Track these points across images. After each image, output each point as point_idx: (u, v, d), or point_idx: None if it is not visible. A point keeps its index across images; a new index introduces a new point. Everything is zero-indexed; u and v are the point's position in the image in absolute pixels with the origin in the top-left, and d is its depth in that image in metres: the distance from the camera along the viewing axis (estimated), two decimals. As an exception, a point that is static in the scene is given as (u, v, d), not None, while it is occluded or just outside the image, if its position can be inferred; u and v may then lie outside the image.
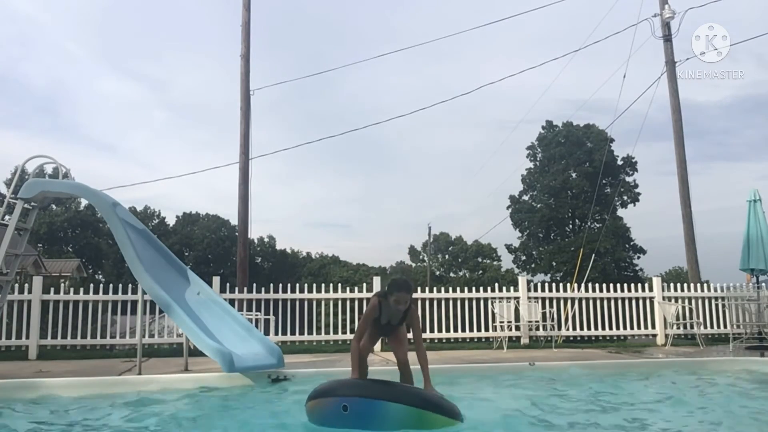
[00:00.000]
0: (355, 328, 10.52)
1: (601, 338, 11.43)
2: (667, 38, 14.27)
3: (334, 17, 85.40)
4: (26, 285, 9.95)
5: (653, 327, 11.59)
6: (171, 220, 59.49)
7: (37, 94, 77.62)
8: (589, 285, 11.83)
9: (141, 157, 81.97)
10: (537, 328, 10.91)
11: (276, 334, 10.46)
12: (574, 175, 43.98)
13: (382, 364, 8.34)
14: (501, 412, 4.50)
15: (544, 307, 11.04)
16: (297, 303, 10.77)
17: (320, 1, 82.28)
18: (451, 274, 59.76)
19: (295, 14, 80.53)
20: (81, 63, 77.18)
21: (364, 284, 11.56)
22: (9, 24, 71.48)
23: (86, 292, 10.06)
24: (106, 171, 72.79)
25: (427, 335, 10.90)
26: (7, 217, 7.39)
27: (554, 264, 42.70)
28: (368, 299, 10.91)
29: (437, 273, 59.42)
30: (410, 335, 4.44)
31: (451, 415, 3.67)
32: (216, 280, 10.22)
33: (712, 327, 11.69)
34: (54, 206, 50.63)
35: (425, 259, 61.81)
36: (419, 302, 11.12)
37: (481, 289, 11.47)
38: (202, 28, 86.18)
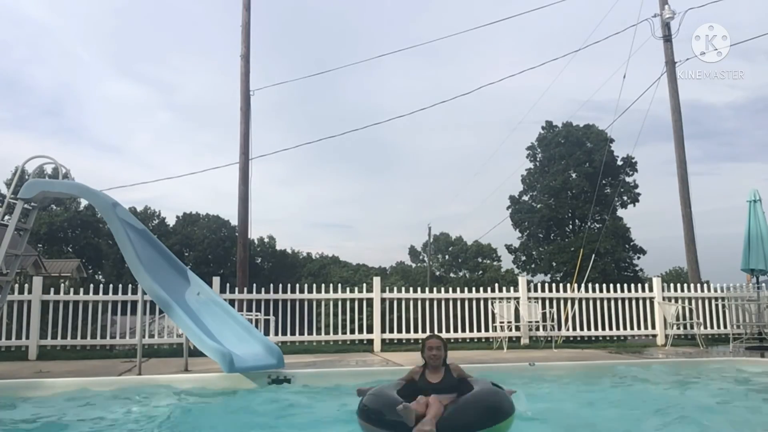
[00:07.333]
0: (356, 329, 10.62)
1: (601, 338, 11.42)
2: (667, 38, 14.26)
3: (334, 18, 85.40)
4: (26, 285, 9.95)
5: (653, 327, 11.59)
6: (171, 221, 59.52)
7: (43, 96, 77.93)
8: (589, 285, 11.82)
9: (144, 158, 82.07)
10: (537, 329, 10.91)
11: (276, 334, 10.45)
12: (574, 175, 43.96)
13: (382, 364, 8.35)
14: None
15: (544, 307, 11.04)
16: (297, 303, 10.76)
17: (321, 3, 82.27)
18: (451, 275, 59.77)
19: (295, 15, 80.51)
20: (86, 65, 77.45)
21: (364, 284, 11.55)
22: (17, 28, 71.84)
23: (86, 292, 10.06)
24: (110, 172, 72.94)
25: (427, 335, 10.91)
26: (7, 218, 7.39)
27: (554, 264, 42.69)
28: (368, 299, 10.97)
29: (437, 273, 59.45)
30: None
31: (513, 410, 3.72)
32: (216, 280, 10.22)
33: (712, 327, 11.68)
34: (54, 206, 50.64)
35: (425, 259, 61.85)
36: (419, 302, 11.13)
37: (481, 289, 11.46)
38: (202, 30, 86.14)
